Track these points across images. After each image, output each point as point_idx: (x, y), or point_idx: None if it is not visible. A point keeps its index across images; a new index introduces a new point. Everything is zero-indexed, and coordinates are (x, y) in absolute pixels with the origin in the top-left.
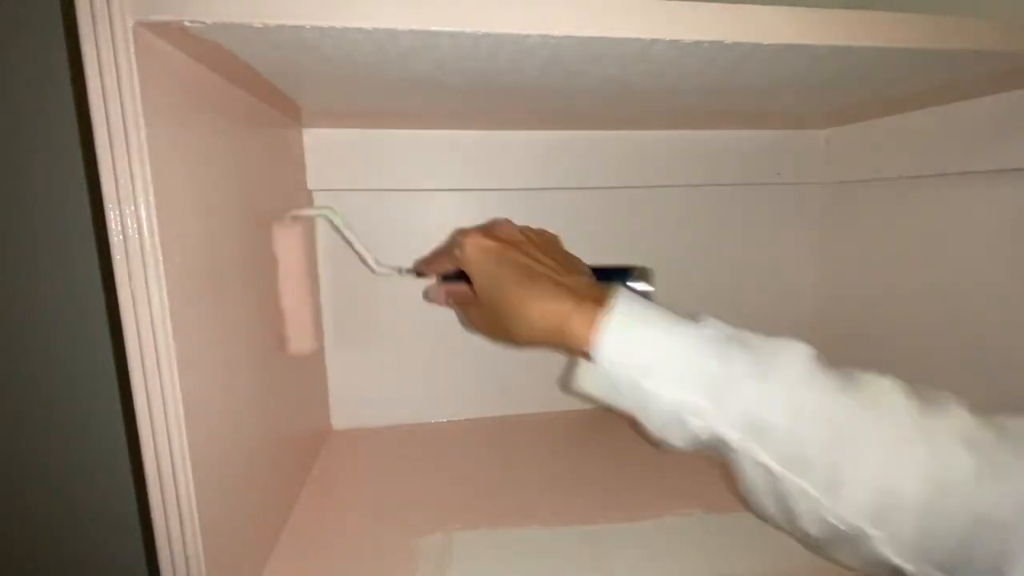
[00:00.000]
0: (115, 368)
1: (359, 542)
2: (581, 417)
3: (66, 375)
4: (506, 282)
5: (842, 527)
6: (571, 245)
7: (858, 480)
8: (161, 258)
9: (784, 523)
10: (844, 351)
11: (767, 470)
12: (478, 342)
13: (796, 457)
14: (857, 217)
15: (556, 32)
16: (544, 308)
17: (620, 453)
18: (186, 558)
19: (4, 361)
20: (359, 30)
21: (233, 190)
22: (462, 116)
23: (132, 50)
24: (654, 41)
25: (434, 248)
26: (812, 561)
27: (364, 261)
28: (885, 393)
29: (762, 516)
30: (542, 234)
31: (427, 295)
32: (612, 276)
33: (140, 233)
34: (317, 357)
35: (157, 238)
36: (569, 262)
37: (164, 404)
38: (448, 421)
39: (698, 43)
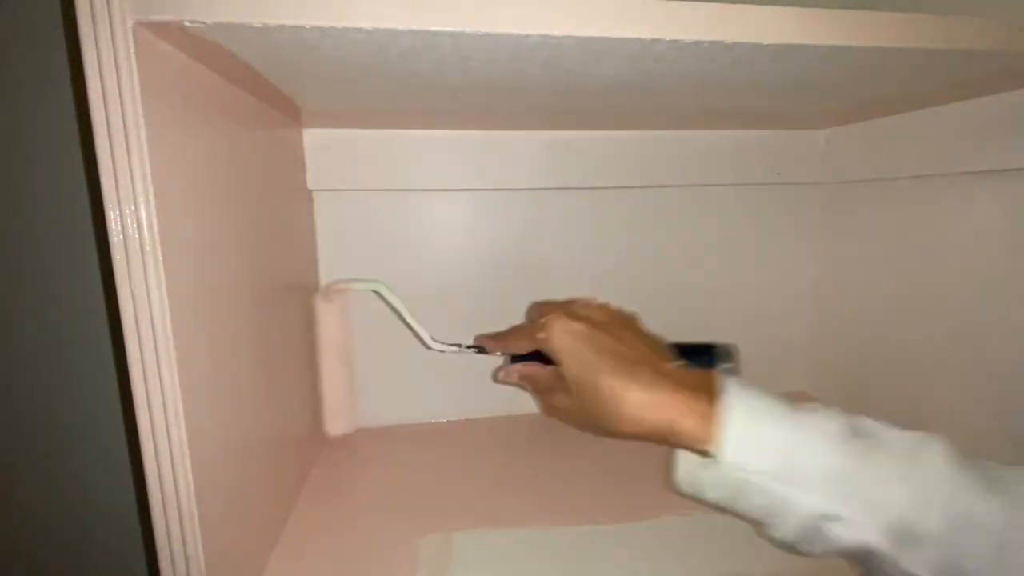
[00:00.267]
0: (115, 368)
1: (359, 542)
2: None
3: (66, 375)
4: (602, 371)
5: None
6: (571, 244)
7: None
8: (161, 258)
9: None
10: (844, 351)
11: None
12: None
13: (953, 569)
14: (857, 217)
15: (556, 32)
16: (648, 401)
17: (620, 454)
18: (186, 558)
19: (4, 361)
20: (359, 30)
21: (233, 190)
22: (462, 116)
23: (132, 50)
24: (654, 41)
25: (512, 326)
26: (811, 561)
27: (419, 337)
28: None
29: None
30: (622, 313)
31: (496, 377)
32: (693, 355)
33: (140, 233)
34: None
35: (157, 238)
36: (656, 342)
37: (164, 404)
38: (448, 421)
39: (698, 43)
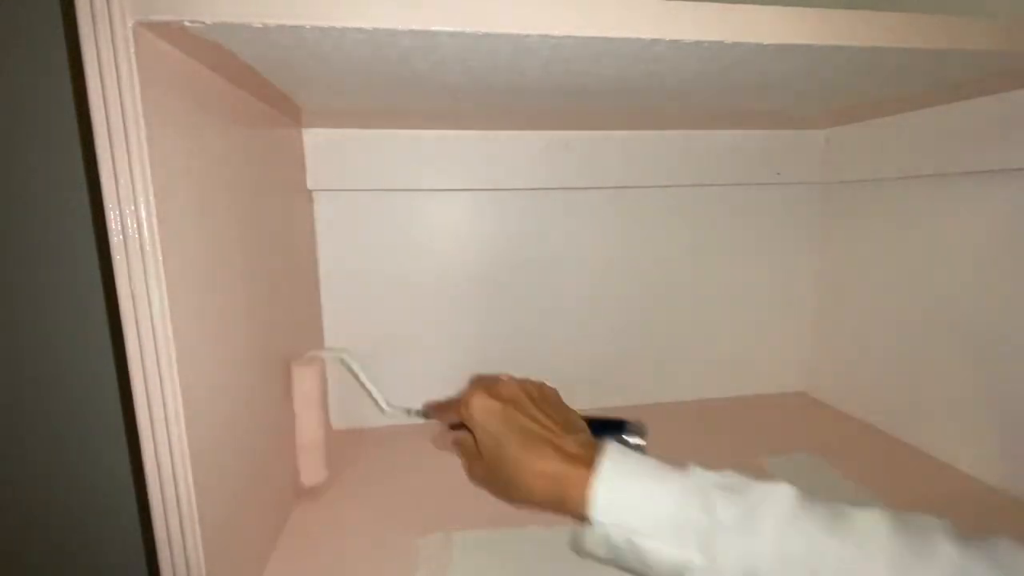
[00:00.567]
0: (115, 368)
1: (359, 542)
2: None
3: (66, 375)
4: (507, 445)
5: None
6: (571, 244)
7: None
8: (161, 258)
9: None
10: (843, 350)
11: None
12: (477, 342)
13: None
14: (857, 217)
15: (556, 32)
16: (542, 471)
17: None
18: (186, 558)
19: (4, 361)
20: (359, 30)
21: (233, 190)
22: (462, 116)
23: (132, 50)
24: (654, 41)
25: (448, 397)
26: None
27: (376, 403)
28: (870, 532)
29: None
30: (542, 388)
31: (435, 441)
32: (606, 429)
33: (140, 233)
34: None
35: (157, 238)
36: (567, 418)
37: (164, 404)
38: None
39: (698, 43)
